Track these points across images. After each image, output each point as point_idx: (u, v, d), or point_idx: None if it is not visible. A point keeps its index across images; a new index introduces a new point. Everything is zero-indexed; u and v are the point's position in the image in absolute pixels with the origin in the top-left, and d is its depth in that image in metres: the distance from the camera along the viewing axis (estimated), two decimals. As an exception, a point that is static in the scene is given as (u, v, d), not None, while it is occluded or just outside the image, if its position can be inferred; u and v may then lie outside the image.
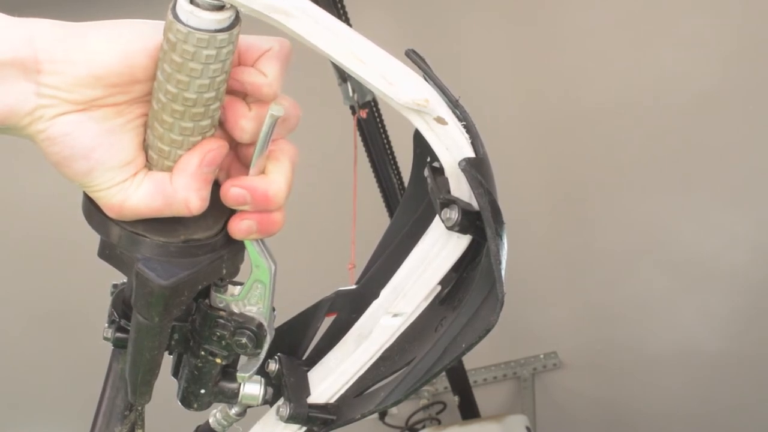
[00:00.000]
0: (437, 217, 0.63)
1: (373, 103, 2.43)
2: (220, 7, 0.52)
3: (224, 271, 0.59)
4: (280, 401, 0.69)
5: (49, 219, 2.91)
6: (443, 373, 3.14)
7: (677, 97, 2.80)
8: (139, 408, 0.67)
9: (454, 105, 0.59)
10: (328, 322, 0.73)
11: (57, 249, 3.02)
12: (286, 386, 0.69)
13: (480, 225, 0.60)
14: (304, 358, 0.72)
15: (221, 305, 0.62)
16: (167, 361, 0.65)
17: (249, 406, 0.70)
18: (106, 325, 0.65)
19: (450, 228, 0.61)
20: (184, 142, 0.55)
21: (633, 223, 3.11)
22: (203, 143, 0.56)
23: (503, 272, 0.59)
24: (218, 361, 0.63)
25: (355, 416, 0.68)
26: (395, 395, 0.64)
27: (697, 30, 2.67)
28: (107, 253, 0.58)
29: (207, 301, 0.62)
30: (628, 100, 2.81)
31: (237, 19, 0.53)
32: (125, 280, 0.62)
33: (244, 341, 0.62)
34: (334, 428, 0.69)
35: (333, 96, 2.45)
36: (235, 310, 0.62)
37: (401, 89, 0.57)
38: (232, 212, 0.59)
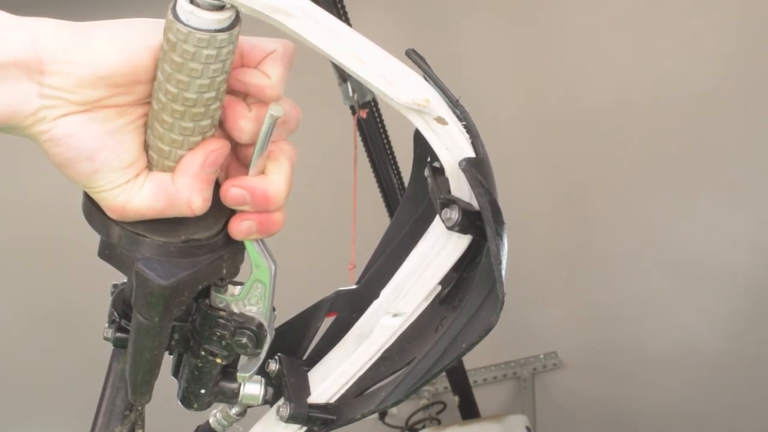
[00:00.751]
0: (437, 217, 0.63)
1: (373, 103, 2.43)
2: (221, 7, 0.52)
3: (224, 271, 0.59)
4: (281, 401, 0.69)
5: (49, 219, 2.91)
6: (443, 373, 3.14)
7: (677, 97, 2.80)
8: (139, 408, 0.67)
9: (454, 105, 0.59)
10: (328, 322, 0.73)
11: (57, 249, 3.02)
12: (286, 386, 0.69)
13: (480, 225, 0.60)
14: (304, 358, 0.72)
15: (221, 305, 0.62)
16: (167, 361, 0.65)
17: (249, 406, 0.70)
18: (106, 325, 0.65)
19: (450, 228, 0.61)
20: (184, 142, 0.55)
21: (633, 223, 3.11)
22: (206, 143, 0.56)
23: (503, 272, 0.59)
24: (218, 361, 0.63)
25: (356, 416, 0.68)
26: (395, 395, 0.64)
27: (697, 30, 2.67)
28: (107, 253, 0.58)
29: (207, 301, 0.62)
30: (628, 100, 2.81)
31: (237, 19, 0.53)
32: (125, 280, 0.62)
33: (244, 341, 0.62)
34: (335, 428, 0.69)
35: (333, 96, 2.45)
36: (236, 310, 0.62)
37: (401, 89, 0.57)
38: (232, 212, 0.59)
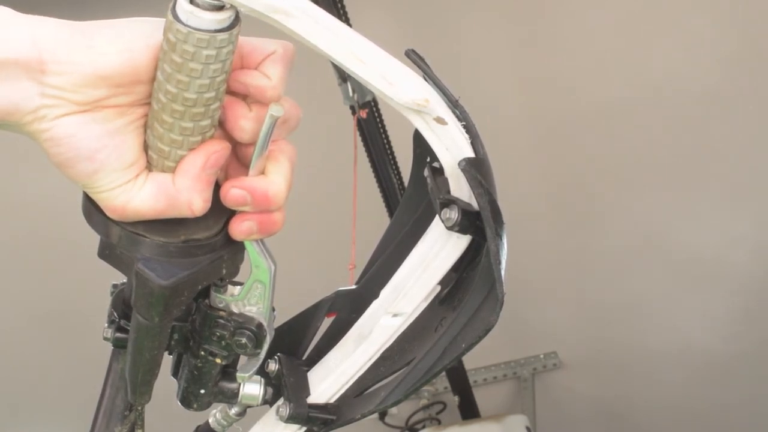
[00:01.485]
0: (437, 217, 0.63)
1: (373, 103, 2.43)
2: (220, 7, 0.52)
3: (224, 271, 0.59)
4: (280, 401, 0.69)
5: (49, 219, 2.91)
6: (443, 373, 3.14)
7: (677, 98, 2.79)
8: (139, 408, 0.67)
9: (454, 105, 0.59)
10: (328, 322, 0.73)
11: (57, 249, 3.02)
12: (286, 386, 0.69)
13: (480, 225, 0.60)
14: (304, 358, 0.72)
15: (221, 305, 0.62)
16: (167, 361, 0.65)
17: (249, 406, 0.70)
18: (106, 325, 0.65)
19: (450, 228, 0.61)
20: (184, 142, 0.55)
21: (633, 223, 3.11)
22: (207, 145, 0.56)
23: (503, 272, 0.59)
24: (218, 361, 0.63)
25: (355, 416, 0.68)
26: (395, 395, 0.64)
27: (697, 30, 2.67)
28: (107, 253, 0.58)
29: (207, 301, 0.62)
30: (628, 100, 2.81)
31: (237, 19, 0.53)
32: (125, 280, 0.62)
33: (243, 341, 0.62)
34: (334, 428, 0.69)
35: (333, 96, 2.45)
36: (235, 310, 0.62)
37: (401, 89, 0.57)
38: (232, 212, 0.58)
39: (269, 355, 0.66)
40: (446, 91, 0.59)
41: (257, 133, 0.56)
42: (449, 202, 0.61)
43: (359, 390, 0.69)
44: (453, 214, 0.61)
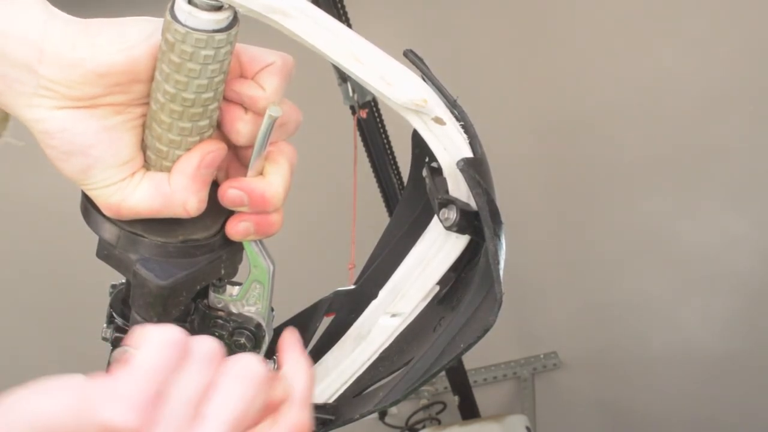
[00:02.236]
0: (436, 217, 0.63)
1: (373, 103, 2.43)
2: (219, 8, 0.52)
3: (223, 272, 0.59)
4: (279, 401, 0.69)
5: (49, 219, 2.91)
6: (443, 373, 3.14)
7: (677, 98, 2.79)
8: (138, 408, 0.67)
9: (452, 105, 0.59)
10: (326, 322, 0.73)
11: (57, 249, 3.02)
12: (284, 386, 0.69)
13: (478, 225, 0.60)
14: (302, 358, 0.72)
15: (220, 305, 0.62)
16: (166, 361, 0.65)
17: (248, 406, 0.70)
18: (105, 325, 0.65)
19: (448, 228, 0.61)
20: (182, 142, 0.55)
21: (633, 223, 3.11)
22: (202, 145, 0.56)
23: (502, 272, 0.59)
24: (217, 361, 0.63)
25: (354, 416, 0.68)
26: (394, 395, 0.64)
27: (697, 30, 2.67)
28: (106, 253, 0.58)
29: (206, 301, 0.62)
30: (629, 100, 2.81)
31: (235, 20, 0.53)
32: (124, 281, 0.63)
33: (242, 341, 0.62)
34: (333, 428, 0.69)
35: (333, 96, 2.45)
36: (234, 311, 0.62)
37: (400, 89, 0.57)
38: (231, 213, 0.59)
39: (268, 355, 0.66)
40: (444, 91, 0.59)
41: (254, 135, 0.56)
42: (447, 202, 0.61)
43: (358, 390, 0.69)
44: (451, 214, 0.61)
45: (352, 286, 0.72)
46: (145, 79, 0.54)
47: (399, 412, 3.46)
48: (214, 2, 0.51)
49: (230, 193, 0.57)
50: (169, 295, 0.56)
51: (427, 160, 0.65)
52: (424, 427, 3.45)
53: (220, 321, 0.62)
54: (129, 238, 0.56)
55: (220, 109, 0.56)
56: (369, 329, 0.68)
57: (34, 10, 0.52)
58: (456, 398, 3.38)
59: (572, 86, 2.80)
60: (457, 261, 0.64)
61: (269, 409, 0.51)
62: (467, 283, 0.63)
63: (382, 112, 2.48)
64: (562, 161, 3.00)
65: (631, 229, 3.12)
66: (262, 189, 0.57)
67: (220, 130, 0.58)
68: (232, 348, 0.62)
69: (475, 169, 0.59)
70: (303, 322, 0.72)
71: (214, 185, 0.58)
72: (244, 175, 0.58)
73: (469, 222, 0.61)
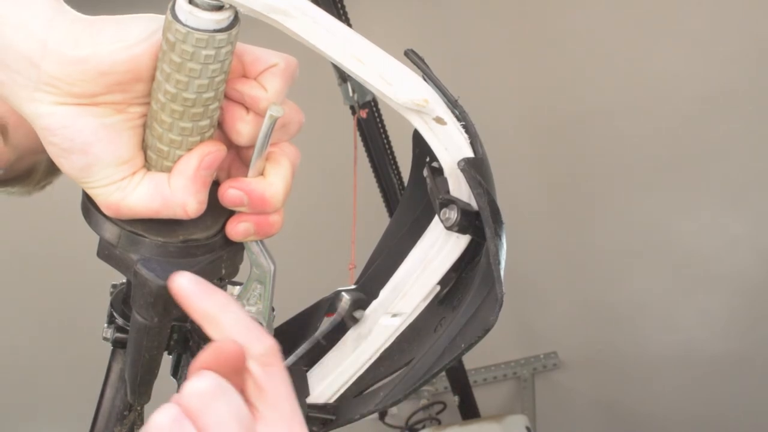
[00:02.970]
0: (436, 217, 0.63)
1: (373, 103, 2.43)
2: (219, 7, 0.52)
3: (223, 272, 0.59)
4: (280, 401, 0.69)
5: (49, 219, 2.91)
6: (443, 373, 3.14)
7: (677, 98, 2.80)
8: (139, 408, 0.67)
9: (453, 105, 0.59)
10: (326, 322, 0.73)
11: (57, 249, 3.02)
12: (285, 386, 0.69)
13: (479, 225, 0.60)
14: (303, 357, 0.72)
15: (220, 305, 0.62)
16: (167, 361, 0.65)
17: (248, 406, 0.70)
18: (106, 325, 0.65)
19: (449, 228, 0.61)
20: (182, 142, 0.55)
21: (633, 223, 3.11)
22: (202, 146, 0.56)
23: (502, 272, 0.59)
24: (217, 361, 0.63)
25: (355, 416, 0.68)
26: (394, 395, 0.64)
27: (697, 30, 2.67)
28: (106, 253, 0.58)
29: (206, 301, 0.62)
30: (629, 100, 2.81)
31: (236, 20, 0.53)
32: (124, 280, 0.62)
33: (243, 341, 0.62)
34: (334, 428, 0.69)
35: (333, 96, 2.45)
36: (235, 310, 0.62)
37: (400, 89, 0.57)
38: (231, 213, 0.58)
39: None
40: (445, 91, 0.59)
41: (255, 136, 0.56)
42: (448, 202, 0.61)
43: (358, 390, 0.68)
44: (452, 214, 0.61)
45: (353, 286, 0.72)
46: (147, 78, 0.54)
47: (399, 412, 3.46)
48: (214, 2, 0.51)
49: (230, 193, 0.57)
50: (169, 295, 0.56)
51: (428, 160, 0.65)
52: (424, 427, 3.45)
53: (221, 321, 0.62)
54: (130, 237, 0.56)
55: (221, 109, 0.56)
56: (370, 329, 0.68)
57: (42, 6, 0.52)
58: (456, 398, 3.38)
59: (572, 86, 2.80)
60: (457, 261, 0.64)
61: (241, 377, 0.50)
62: (468, 283, 0.63)
63: (382, 112, 2.48)
64: (562, 161, 3.00)
65: (631, 229, 3.12)
66: (261, 189, 0.57)
67: (221, 130, 0.58)
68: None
69: (476, 169, 0.59)
70: (303, 322, 0.72)
71: (216, 185, 0.58)
72: (246, 175, 0.57)
73: (470, 222, 0.61)
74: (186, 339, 0.63)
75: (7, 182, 1.19)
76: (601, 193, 3.06)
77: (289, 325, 0.72)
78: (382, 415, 3.40)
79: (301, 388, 0.70)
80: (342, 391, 0.69)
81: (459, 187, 0.61)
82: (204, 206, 0.56)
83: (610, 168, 2.99)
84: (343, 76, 2.38)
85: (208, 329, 0.51)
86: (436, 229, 0.65)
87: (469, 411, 3.41)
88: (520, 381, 3.62)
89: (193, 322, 0.62)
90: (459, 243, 0.63)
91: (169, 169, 0.56)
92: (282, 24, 0.54)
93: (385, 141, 2.55)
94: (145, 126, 0.56)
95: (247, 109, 0.57)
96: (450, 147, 0.59)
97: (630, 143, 2.91)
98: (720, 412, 3.55)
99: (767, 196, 3.02)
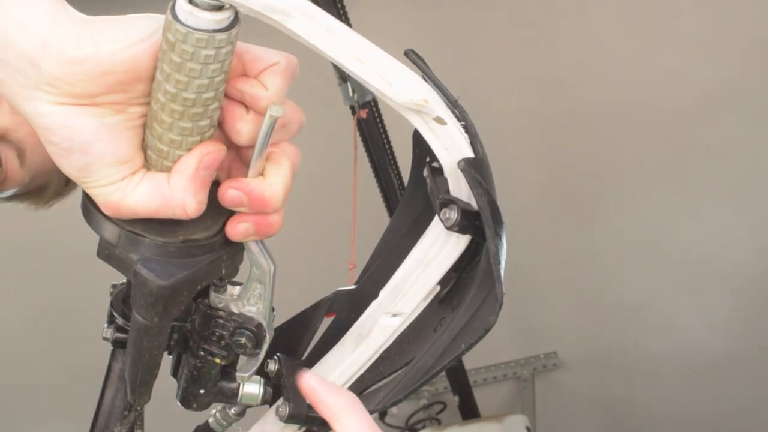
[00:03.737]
0: (436, 217, 0.63)
1: (373, 103, 2.43)
2: (219, 7, 0.52)
3: (223, 272, 0.59)
4: (280, 401, 0.69)
5: (49, 219, 2.90)
6: (443, 373, 3.14)
7: (677, 98, 2.80)
8: (139, 408, 0.67)
9: (453, 105, 0.59)
10: (327, 322, 0.73)
11: (57, 249, 3.02)
12: (285, 386, 0.69)
13: (479, 225, 0.60)
14: (303, 358, 0.72)
15: (220, 305, 0.62)
16: (167, 361, 0.65)
17: (248, 406, 0.70)
18: (106, 325, 0.65)
19: (449, 228, 0.61)
20: (182, 142, 0.55)
21: (633, 223, 3.11)
22: (201, 146, 0.56)
23: (502, 272, 0.59)
24: (217, 361, 0.63)
25: (355, 416, 0.67)
26: (395, 395, 0.64)
27: (697, 30, 2.67)
28: (106, 253, 0.58)
29: (206, 301, 0.62)
30: (629, 100, 2.81)
31: (236, 20, 0.53)
32: (124, 280, 0.62)
33: (243, 341, 0.62)
34: (334, 428, 0.69)
35: (333, 96, 2.45)
36: (235, 310, 0.62)
37: (400, 89, 0.57)
38: (231, 213, 0.58)
39: (269, 355, 0.66)
40: (445, 90, 0.59)
41: (255, 136, 0.56)
42: (448, 202, 0.61)
43: (359, 390, 0.69)
44: (452, 214, 0.61)
45: (353, 286, 0.72)
46: (147, 78, 0.54)
47: (399, 412, 3.46)
48: (214, 2, 0.51)
49: (229, 193, 0.57)
50: (169, 295, 0.56)
51: (428, 159, 0.65)
52: (424, 427, 3.46)
53: (221, 321, 0.62)
54: (130, 237, 0.56)
55: (221, 109, 0.56)
56: (370, 329, 0.68)
57: (43, 5, 0.52)
58: (456, 398, 3.38)
59: (572, 86, 2.80)
60: (457, 261, 0.64)
61: None
62: (468, 283, 0.63)
63: (382, 112, 2.48)
64: (562, 161, 3.00)
65: (631, 229, 3.12)
66: (261, 189, 0.57)
67: (221, 129, 0.58)
68: (233, 348, 0.62)
69: (476, 168, 0.59)
70: (303, 322, 0.72)
71: (216, 185, 0.58)
72: (246, 175, 0.57)
73: (470, 222, 0.61)
74: (186, 339, 0.63)
75: (18, 197, 1.20)
76: (601, 193, 3.06)
77: (289, 325, 0.72)
78: (382, 415, 3.40)
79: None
80: (342, 391, 0.69)
81: (459, 187, 0.61)
82: (204, 206, 0.56)
83: (610, 168, 2.99)
84: (343, 76, 2.38)
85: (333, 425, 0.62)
86: (436, 229, 0.65)
87: (469, 411, 3.41)
88: (520, 381, 3.62)
89: (193, 322, 0.63)
90: (459, 243, 0.63)
91: (169, 169, 0.56)
92: (282, 24, 0.54)
93: (385, 141, 2.55)
94: (145, 126, 0.56)
95: (247, 108, 0.57)
96: (450, 147, 0.59)
97: (630, 143, 2.91)
98: (720, 412, 3.55)
99: (767, 196, 3.02)
